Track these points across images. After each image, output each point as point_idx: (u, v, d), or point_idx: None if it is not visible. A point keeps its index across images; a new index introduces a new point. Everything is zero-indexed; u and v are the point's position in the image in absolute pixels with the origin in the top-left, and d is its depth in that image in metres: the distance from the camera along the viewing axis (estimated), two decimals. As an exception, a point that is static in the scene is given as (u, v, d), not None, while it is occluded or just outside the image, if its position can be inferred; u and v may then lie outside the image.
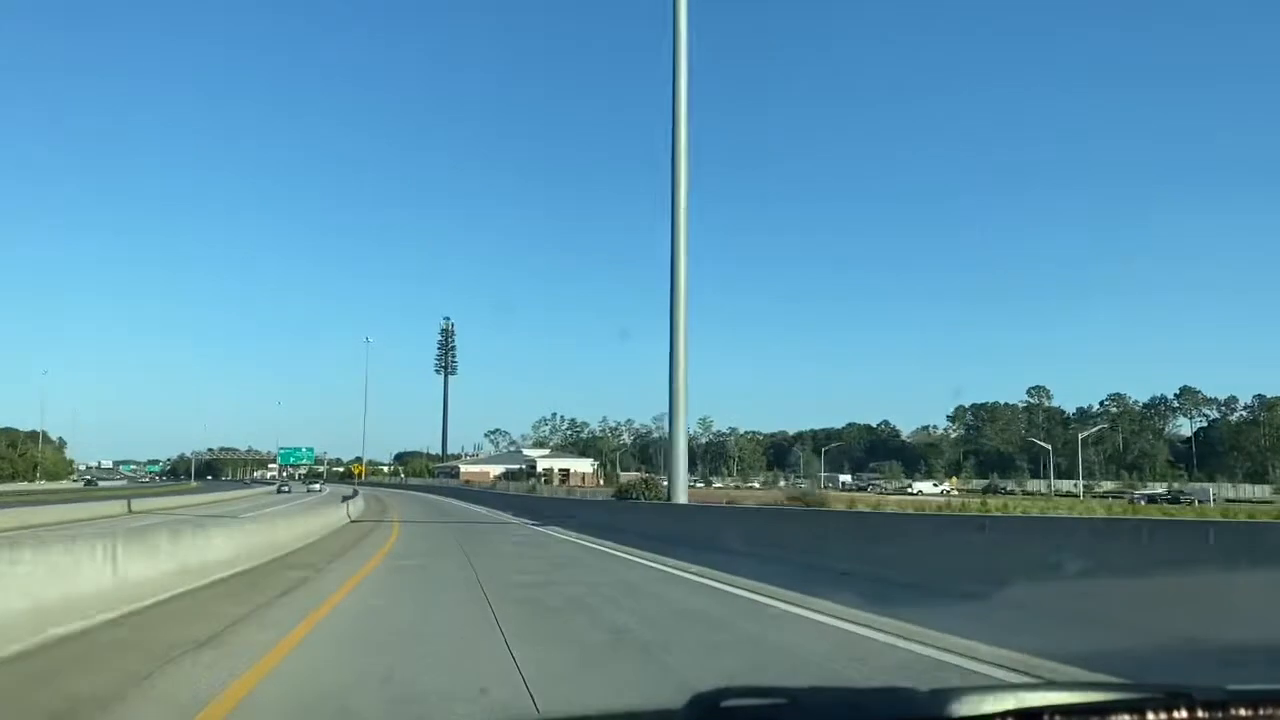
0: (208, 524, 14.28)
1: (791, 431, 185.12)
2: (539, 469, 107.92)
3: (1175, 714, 1.63)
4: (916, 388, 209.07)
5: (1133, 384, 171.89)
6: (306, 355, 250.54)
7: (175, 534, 10.87)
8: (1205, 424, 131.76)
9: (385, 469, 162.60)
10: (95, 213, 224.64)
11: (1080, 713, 1.67)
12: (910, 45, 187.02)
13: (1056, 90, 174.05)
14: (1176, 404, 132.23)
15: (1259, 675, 2.31)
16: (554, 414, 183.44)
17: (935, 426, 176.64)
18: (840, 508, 34.54)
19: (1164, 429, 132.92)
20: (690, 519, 20.89)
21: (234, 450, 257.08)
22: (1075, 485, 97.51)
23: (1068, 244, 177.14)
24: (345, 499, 38.11)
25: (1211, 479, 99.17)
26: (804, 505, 41.09)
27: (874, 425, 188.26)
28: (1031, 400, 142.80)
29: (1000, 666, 6.10)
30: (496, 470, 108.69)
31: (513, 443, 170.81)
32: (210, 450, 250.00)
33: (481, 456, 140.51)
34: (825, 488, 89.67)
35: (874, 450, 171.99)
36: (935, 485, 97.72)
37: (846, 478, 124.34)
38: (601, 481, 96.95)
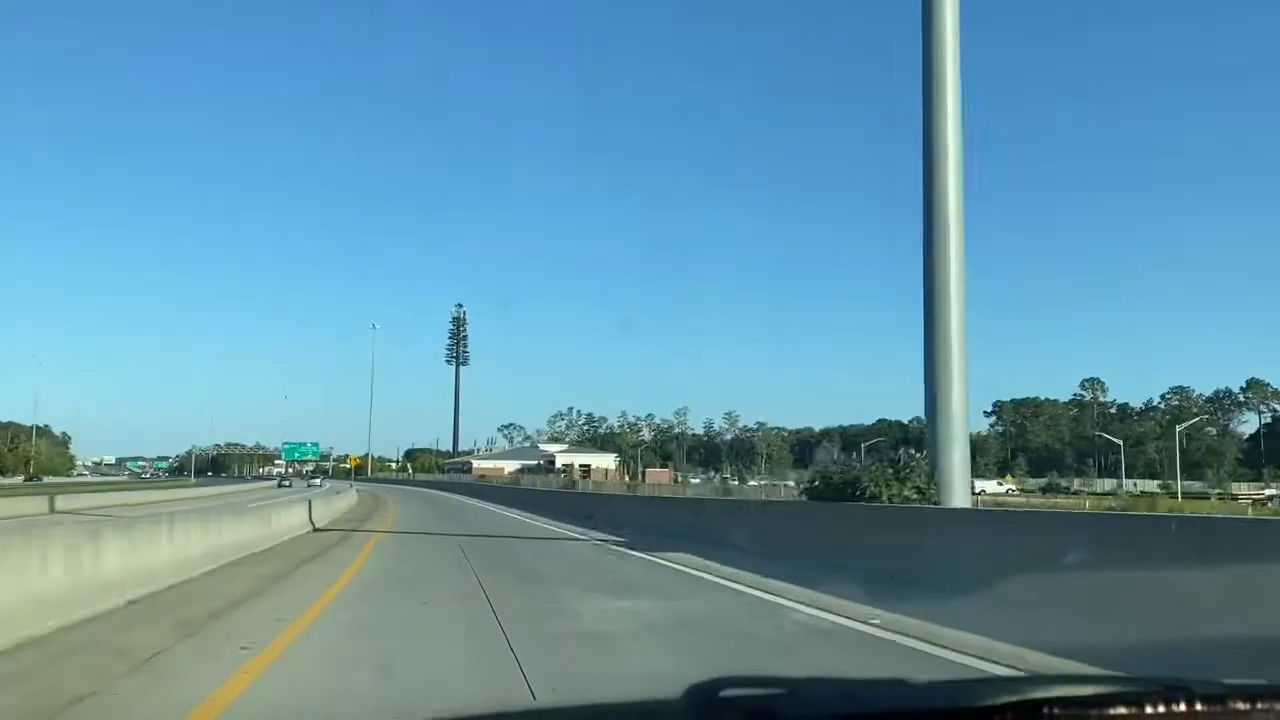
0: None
1: (817, 428, 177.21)
2: (558, 464, 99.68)
3: (1174, 707, 1.62)
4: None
5: (1194, 378, 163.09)
6: (314, 351, 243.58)
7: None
8: (1270, 419, 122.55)
9: (393, 465, 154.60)
10: (96, 210, 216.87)
11: (1079, 705, 1.66)
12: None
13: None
14: (1243, 398, 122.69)
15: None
16: (570, 408, 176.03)
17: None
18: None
19: (1228, 425, 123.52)
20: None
21: (241, 446, 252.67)
22: (1131, 485, 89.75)
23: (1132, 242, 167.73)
24: (317, 496, 29.93)
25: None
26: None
27: (905, 422, 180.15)
28: (1084, 394, 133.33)
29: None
30: (512, 466, 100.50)
31: (527, 438, 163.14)
32: (217, 446, 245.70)
33: (495, 451, 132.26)
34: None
35: (904, 447, 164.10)
36: (999, 484, 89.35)
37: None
38: (628, 478, 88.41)
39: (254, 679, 5.67)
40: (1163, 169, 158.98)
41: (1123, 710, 1.62)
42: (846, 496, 13.67)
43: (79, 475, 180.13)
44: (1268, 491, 75.84)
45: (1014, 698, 1.67)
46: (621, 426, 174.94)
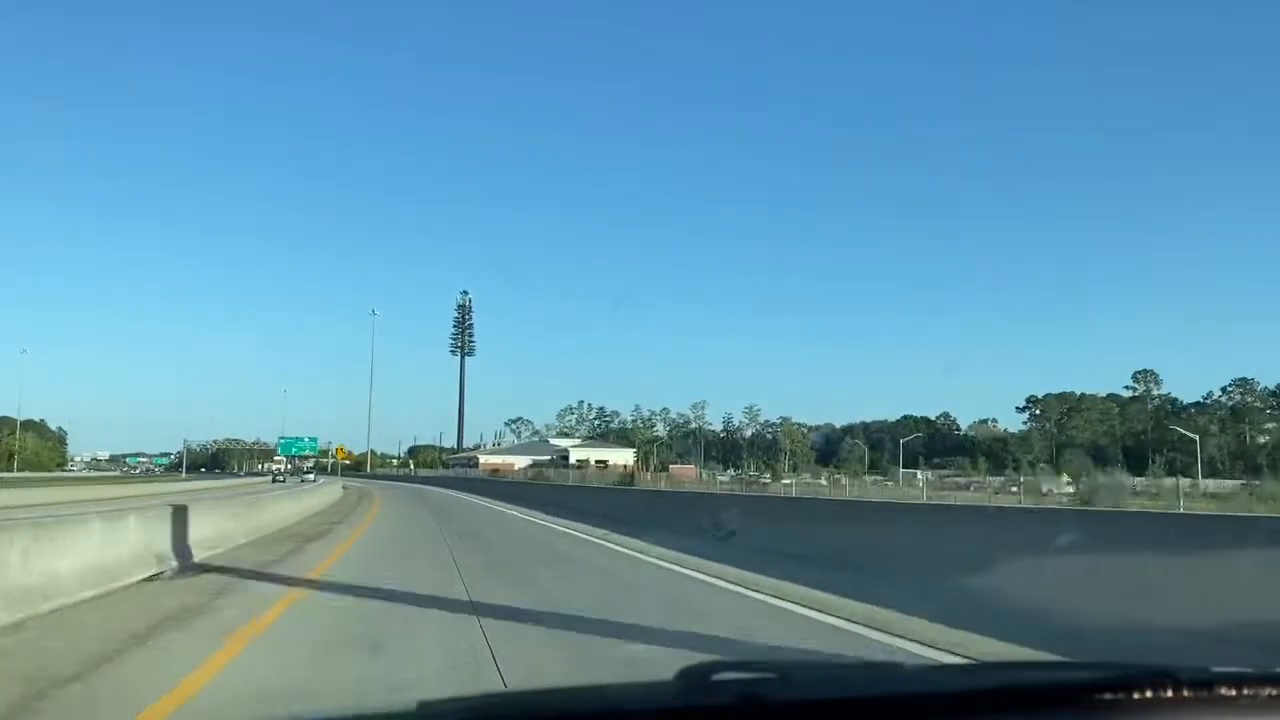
0: None
1: (838, 424, 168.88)
2: (572, 459, 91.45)
3: (1162, 693, 1.65)
4: (971, 378, 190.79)
5: (1250, 369, 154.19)
6: (316, 346, 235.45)
7: None
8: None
9: (394, 462, 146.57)
10: (99, 203, 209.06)
11: (1069, 690, 1.70)
12: None
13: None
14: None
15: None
16: (580, 402, 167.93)
17: (995, 420, 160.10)
18: None
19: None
20: None
21: (240, 441, 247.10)
22: (1197, 485, 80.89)
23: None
24: (279, 495, 21.92)
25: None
26: None
27: (932, 418, 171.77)
28: (1136, 388, 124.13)
29: None
30: (522, 461, 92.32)
31: (535, 432, 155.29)
32: (215, 442, 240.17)
33: (504, 446, 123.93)
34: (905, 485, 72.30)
35: (933, 444, 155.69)
36: (1069, 484, 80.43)
37: (927, 474, 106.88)
38: (650, 474, 79.96)
39: None
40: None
41: (1111, 695, 1.65)
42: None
43: (71, 470, 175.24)
44: None
45: (1004, 682, 1.73)
46: (635, 421, 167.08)
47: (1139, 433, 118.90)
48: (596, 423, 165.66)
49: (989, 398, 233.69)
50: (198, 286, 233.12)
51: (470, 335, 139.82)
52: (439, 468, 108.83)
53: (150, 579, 9.75)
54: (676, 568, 12.54)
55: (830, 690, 1.67)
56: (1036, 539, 8.82)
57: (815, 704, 1.60)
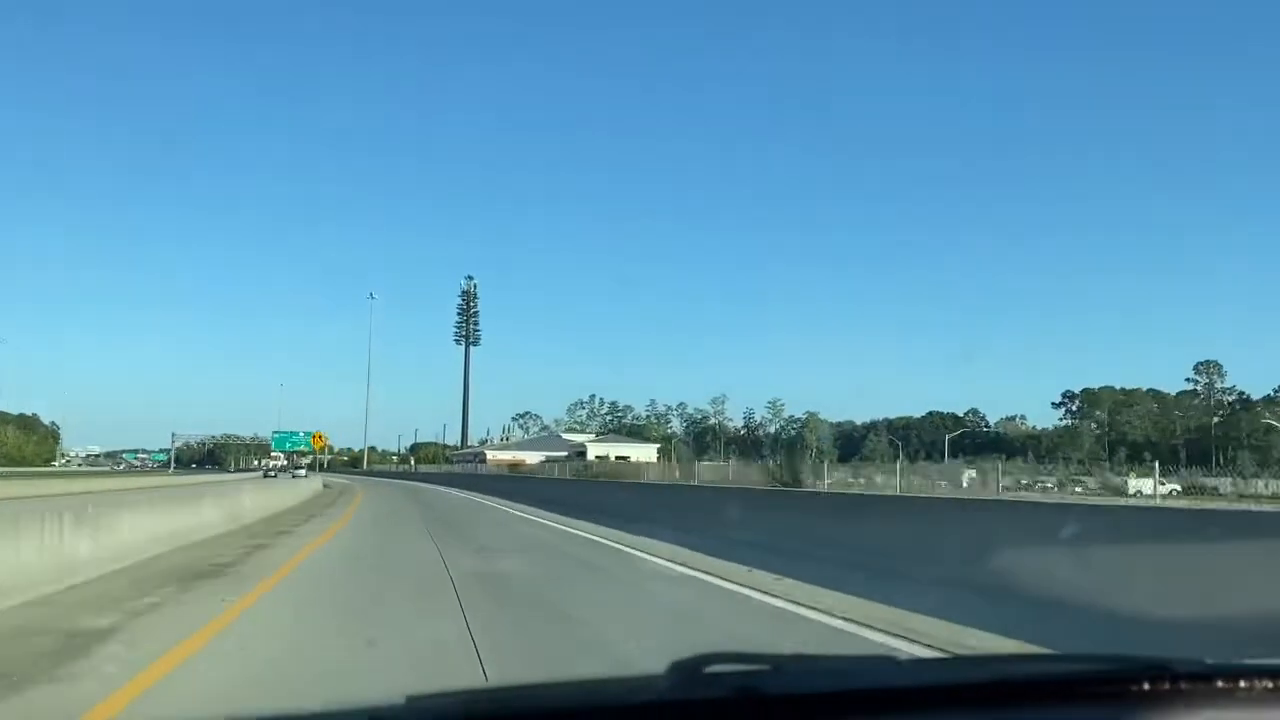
0: None
1: (858, 420, 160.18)
2: (590, 455, 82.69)
3: (1158, 686, 1.65)
4: (990, 375, 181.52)
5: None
6: (316, 340, 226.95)
7: None
8: None
9: (394, 458, 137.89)
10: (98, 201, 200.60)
11: (1065, 682, 1.69)
12: None
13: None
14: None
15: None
16: (592, 396, 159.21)
17: (1023, 417, 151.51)
18: None
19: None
20: None
21: (237, 437, 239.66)
22: None
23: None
24: (222, 492, 13.52)
25: None
26: None
27: (960, 414, 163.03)
28: (1197, 380, 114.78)
29: None
30: (534, 457, 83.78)
31: (544, 427, 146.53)
32: (213, 437, 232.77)
33: (513, 441, 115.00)
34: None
35: (961, 442, 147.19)
36: (1164, 485, 71.03)
37: (970, 472, 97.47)
38: (679, 473, 70.86)
39: None
40: None
41: (1108, 688, 1.64)
42: None
43: (63, 465, 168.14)
44: None
45: (999, 675, 1.71)
46: (649, 416, 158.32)
47: (1198, 429, 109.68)
48: (609, 418, 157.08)
49: (1010, 395, 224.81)
50: (196, 279, 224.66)
51: (475, 323, 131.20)
52: (442, 464, 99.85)
53: None
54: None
55: (824, 682, 1.64)
56: None
57: (809, 696, 1.58)
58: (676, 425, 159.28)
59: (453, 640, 6.60)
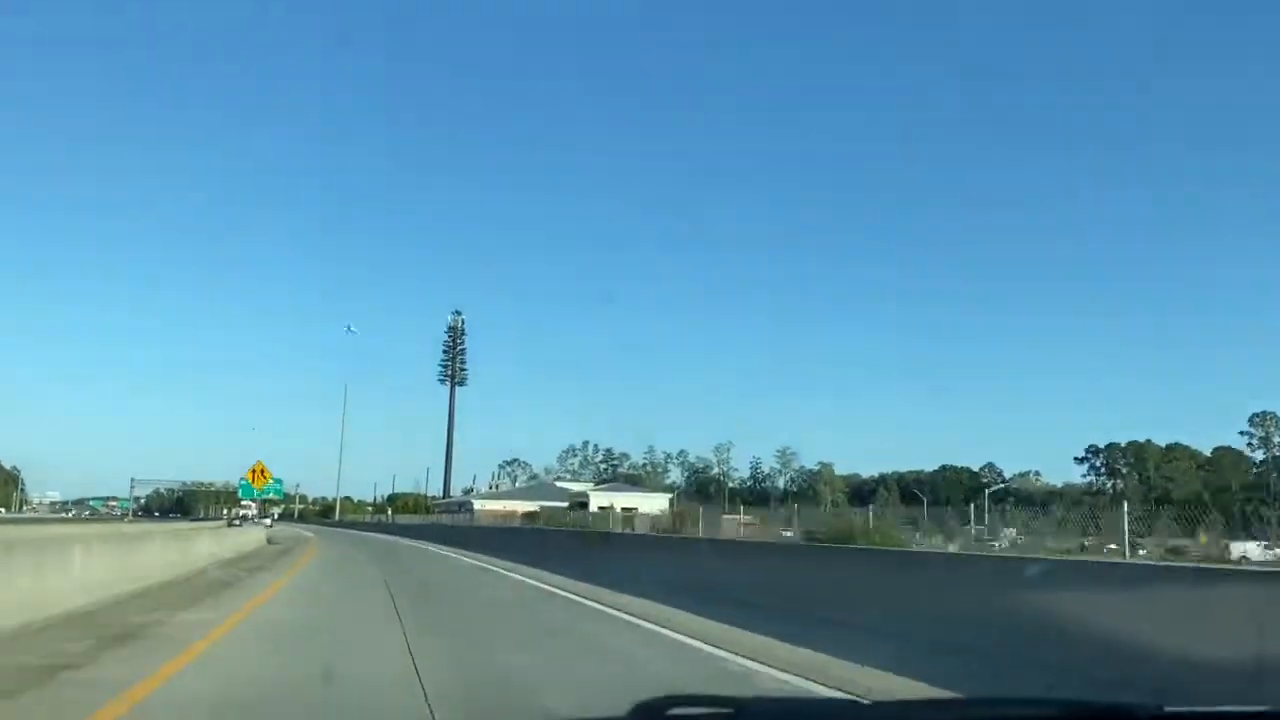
0: None
1: (864, 474, 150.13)
2: (592, 505, 72.50)
3: None
4: (1012, 427, 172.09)
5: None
6: (290, 386, 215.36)
7: None
8: None
9: (369, 508, 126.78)
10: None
11: None
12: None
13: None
14: None
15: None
16: (585, 442, 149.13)
17: (1037, 473, 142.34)
18: None
19: None
20: None
21: (208, 484, 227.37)
22: None
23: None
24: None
25: None
26: None
27: (975, 469, 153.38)
28: (1252, 434, 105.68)
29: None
30: (527, 507, 73.69)
31: (534, 476, 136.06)
32: (183, 484, 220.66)
33: (503, 490, 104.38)
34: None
35: (976, 499, 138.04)
36: (1263, 547, 61.55)
37: (1010, 531, 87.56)
38: (695, 525, 60.66)
39: None
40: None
41: None
42: None
43: (30, 511, 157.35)
44: None
45: (963, 717, 1.72)
46: (646, 465, 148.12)
47: (1257, 487, 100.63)
48: (603, 466, 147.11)
49: (1021, 450, 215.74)
50: (167, 321, 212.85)
51: (462, 362, 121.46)
52: (425, 513, 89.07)
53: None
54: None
55: None
56: None
57: None
58: (676, 475, 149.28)
59: None
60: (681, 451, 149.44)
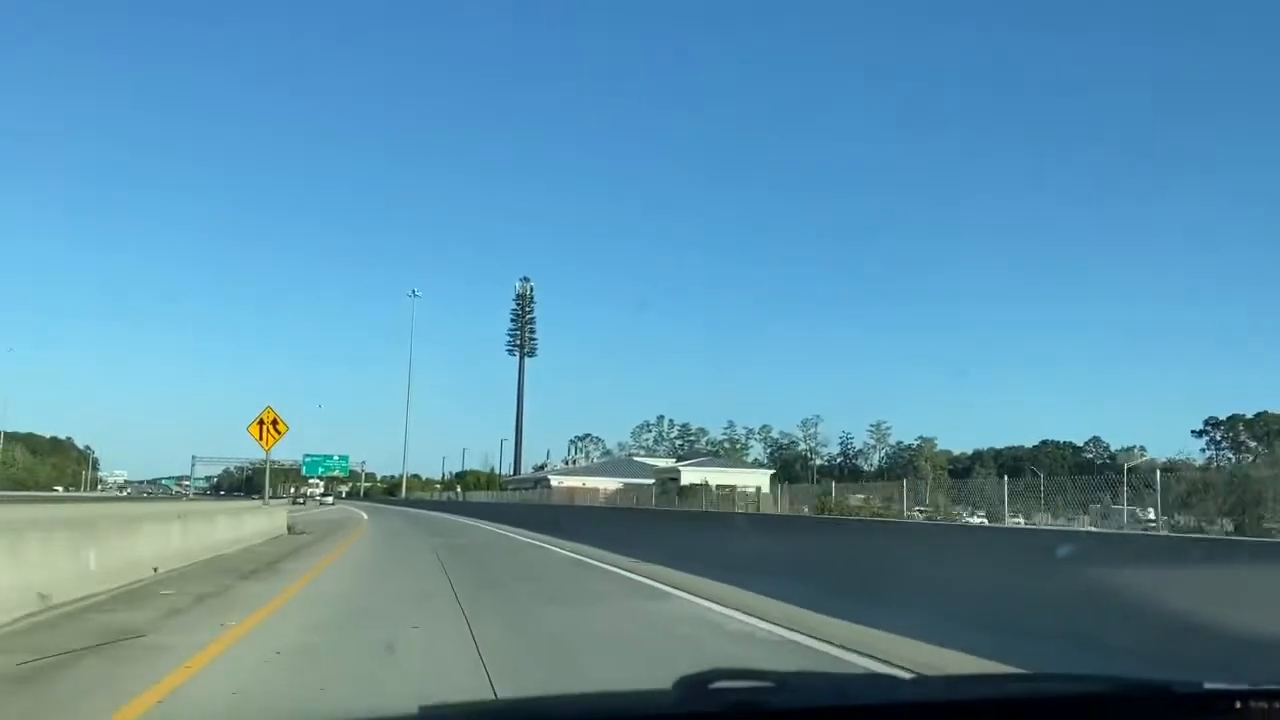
0: None
1: (955, 450, 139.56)
2: (683, 482, 64.58)
3: (1157, 708, 1.66)
4: (1116, 401, 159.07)
5: None
6: (353, 361, 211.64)
7: None
8: None
9: (438, 485, 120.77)
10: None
11: (1065, 703, 1.69)
12: None
13: None
14: None
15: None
16: (660, 417, 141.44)
17: (1142, 448, 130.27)
18: None
19: None
20: None
21: (278, 463, 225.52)
22: None
23: None
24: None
25: None
26: None
27: (1079, 443, 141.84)
28: None
29: None
30: (610, 484, 66.38)
31: (607, 452, 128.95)
32: (250, 463, 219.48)
33: (579, 466, 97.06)
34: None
35: (1081, 476, 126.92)
36: None
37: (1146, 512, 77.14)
38: (808, 507, 52.18)
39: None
40: None
41: (1110, 708, 1.66)
42: None
43: (101, 491, 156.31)
44: None
45: (1001, 694, 1.72)
46: (725, 440, 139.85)
47: None
48: (679, 442, 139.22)
49: (1127, 424, 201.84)
50: (234, 302, 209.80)
51: (531, 331, 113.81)
52: (498, 490, 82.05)
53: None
54: None
55: (828, 698, 1.65)
56: None
57: (813, 711, 1.58)
58: (758, 451, 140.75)
59: None
60: (765, 426, 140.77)
